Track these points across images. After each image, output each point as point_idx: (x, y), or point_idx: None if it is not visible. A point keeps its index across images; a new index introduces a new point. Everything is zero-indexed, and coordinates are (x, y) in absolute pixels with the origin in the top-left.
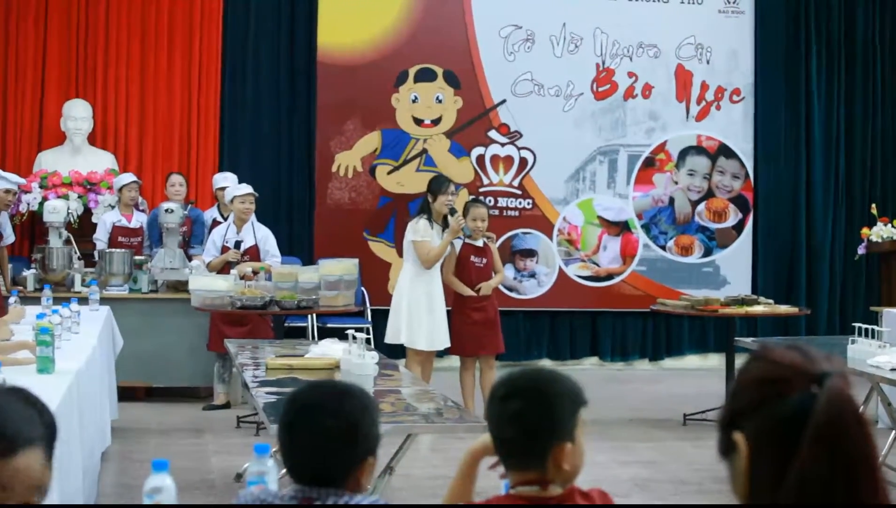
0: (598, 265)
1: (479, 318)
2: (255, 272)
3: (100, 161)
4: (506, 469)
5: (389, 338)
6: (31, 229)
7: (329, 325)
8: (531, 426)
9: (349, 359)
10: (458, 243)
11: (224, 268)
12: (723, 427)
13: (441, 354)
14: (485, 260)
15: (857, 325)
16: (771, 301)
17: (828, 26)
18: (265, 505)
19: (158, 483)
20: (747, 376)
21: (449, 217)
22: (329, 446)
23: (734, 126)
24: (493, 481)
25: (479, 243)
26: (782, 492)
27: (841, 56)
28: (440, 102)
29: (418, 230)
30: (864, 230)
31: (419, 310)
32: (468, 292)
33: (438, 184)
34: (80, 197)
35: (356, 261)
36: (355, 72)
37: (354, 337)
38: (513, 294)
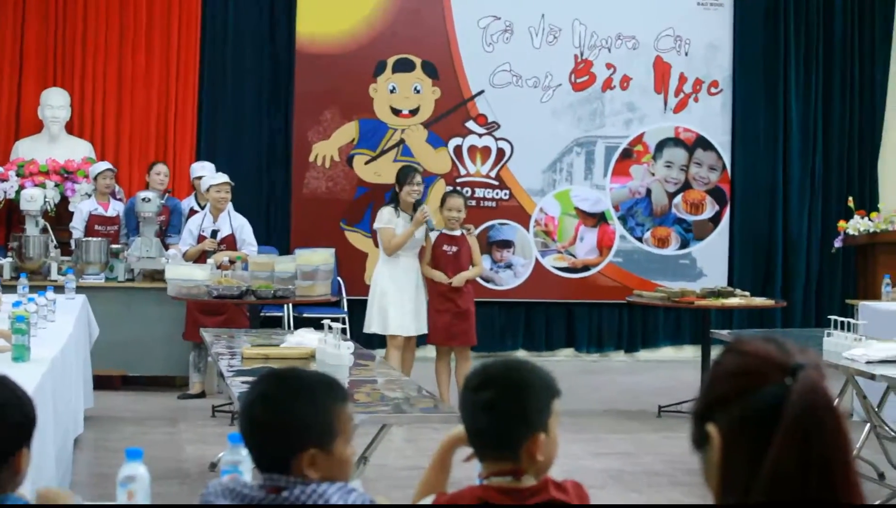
0: (574, 257)
1: (450, 308)
2: (231, 262)
3: (77, 150)
4: (479, 460)
5: (365, 327)
6: (8, 217)
7: (305, 315)
8: (504, 417)
9: (324, 349)
10: (434, 234)
11: (200, 257)
12: (696, 419)
13: (418, 344)
14: (456, 248)
15: (832, 318)
16: (747, 294)
17: (806, 19)
18: (234, 504)
19: (132, 472)
20: (721, 367)
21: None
22: (263, 435)
23: (712, 118)
24: (468, 471)
25: (456, 232)
26: (755, 484)
27: (819, 49)
28: (418, 92)
29: (382, 218)
30: (841, 223)
31: (389, 297)
32: (443, 278)
33: (404, 175)
34: (56, 186)
35: (332, 251)
36: (334, 62)
37: (330, 327)
38: (489, 285)
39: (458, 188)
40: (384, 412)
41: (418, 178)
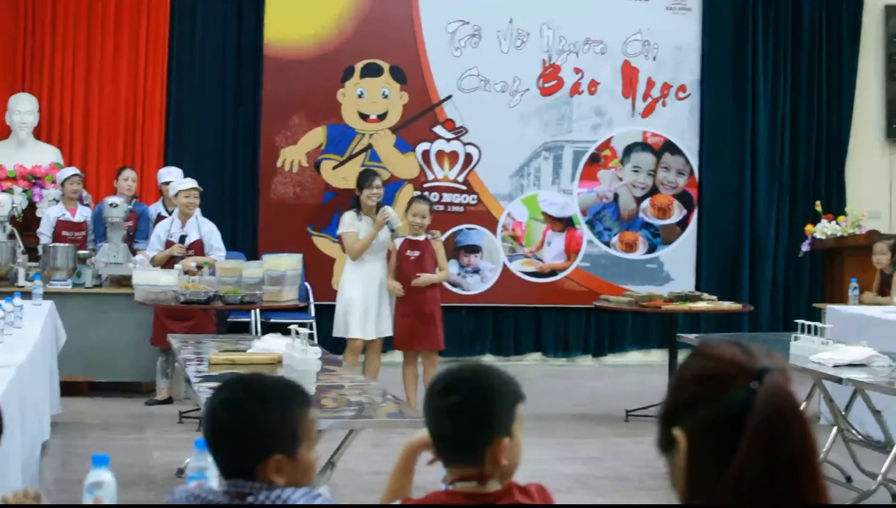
0: (541, 261)
1: (415, 312)
2: (198, 267)
3: (45, 155)
4: (444, 465)
5: (333, 332)
6: None
7: (273, 320)
8: (469, 422)
9: (291, 354)
10: (399, 240)
11: (168, 263)
12: (662, 423)
13: (385, 349)
14: (419, 253)
15: (799, 322)
16: (714, 298)
17: (774, 24)
18: (199, 505)
19: (99, 478)
20: (687, 371)
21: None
22: (228, 442)
23: (679, 123)
24: (433, 476)
25: (420, 237)
26: (722, 488)
27: (787, 54)
28: (386, 97)
29: (344, 223)
30: (809, 227)
31: (354, 300)
32: (397, 291)
33: (364, 178)
34: (24, 191)
35: (300, 256)
36: (302, 67)
37: (297, 332)
38: (457, 290)
39: (425, 194)
40: (351, 417)
41: (378, 181)
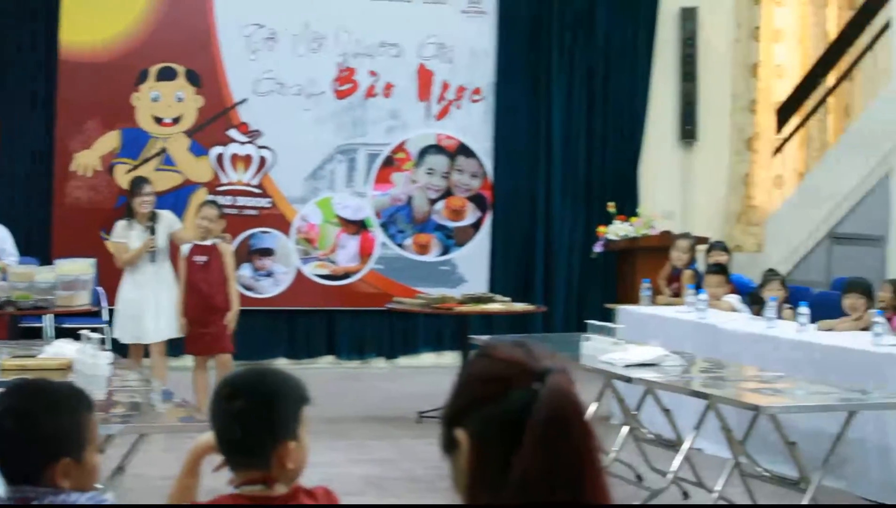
0: (335, 264)
1: (201, 316)
2: None
3: None
4: (230, 469)
5: (113, 334)
6: None
7: (66, 325)
8: (254, 425)
9: (82, 359)
10: (188, 246)
11: None
12: (445, 424)
13: (177, 353)
14: (206, 258)
15: (591, 322)
16: (507, 299)
17: (570, 27)
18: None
19: None
20: (470, 373)
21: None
22: (13, 448)
23: (474, 125)
24: (221, 480)
25: (208, 242)
26: (504, 489)
27: (582, 56)
28: (181, 100)
29: (115, 232)
30: (601, 228)
31: (129, 304)
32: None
33: (135, 185)
34: None
35: (93, 261)
36: (97, 70)
37: (88, 338)
38: (250, 293)
39: (215, 198)
40: (141, 421)
41: (148, 188)
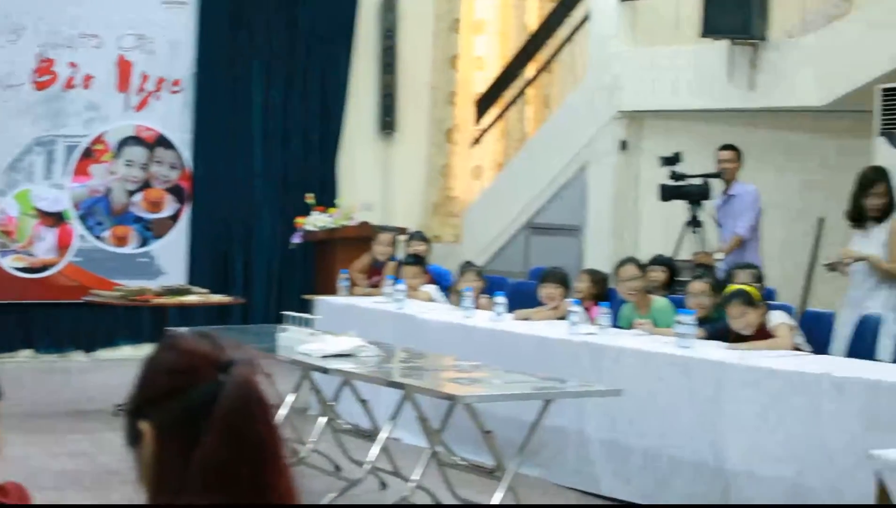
0: (33, 256)
1: None
2: None
3: None
4: None
5: None
6: None
7: None
8: None
9: None
10: None
11: None
12: (129, 417)
13: None
14: None
15: (287, 313)
16: (205, 291)
17: (272, 18)
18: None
19: None
20: (154, 365)
21: None
22: None
23: (173, 117)
24: None
25: None
26: (188, 479)
27: (283, 47)
28: None
29: None
30: (300, 220)
31: None
32: None
33: None
34: None
35: None
36: None
37: None
38: None
39: None
40: None
41: None
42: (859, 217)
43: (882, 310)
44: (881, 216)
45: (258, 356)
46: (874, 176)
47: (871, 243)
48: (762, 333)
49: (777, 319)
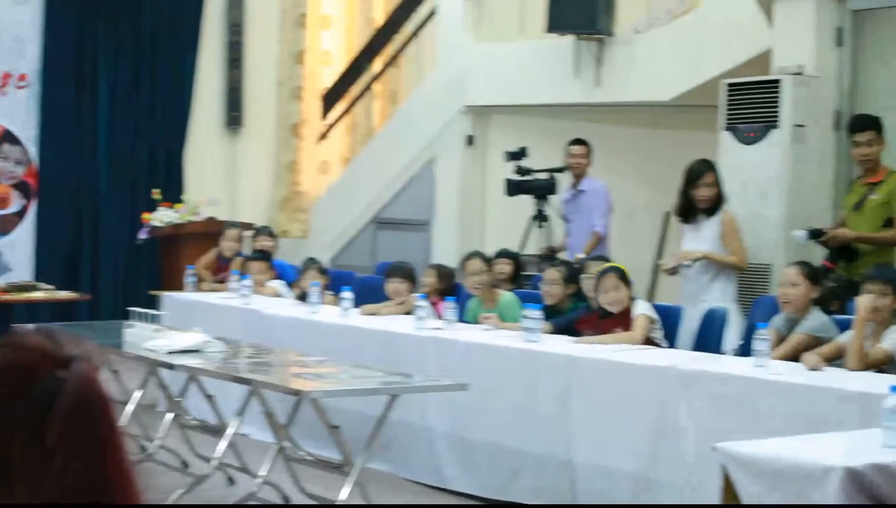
0: None
1: None
2: None
3: None
4: None
5: None
6: None
7: None
8: None
9: None
10: None
11: None
12: None
13: None
14: None
15: (134, 309)
16: (52, 287)
17: (119, 13)
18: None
19: None
20: None
21: None
22: None
23: (19, 112)
24: None
25: None
26: (28, 481)
27: (130, 42)
28: None
29: None
30: (146, 215)
31: None
32: None
33: None
34: None
35: None
36: None
37: None
38: None
39: None
40: None
41: None
42: (688, 211)
43: (720, 303)
44: (711, 208)
45: (99, 351)
46: (702, 168)
47: (703, 237)
48: (625, 315)
49: (640, 309)
